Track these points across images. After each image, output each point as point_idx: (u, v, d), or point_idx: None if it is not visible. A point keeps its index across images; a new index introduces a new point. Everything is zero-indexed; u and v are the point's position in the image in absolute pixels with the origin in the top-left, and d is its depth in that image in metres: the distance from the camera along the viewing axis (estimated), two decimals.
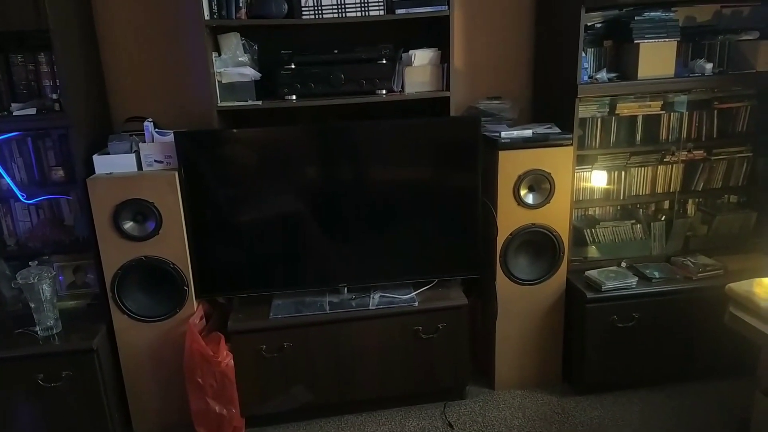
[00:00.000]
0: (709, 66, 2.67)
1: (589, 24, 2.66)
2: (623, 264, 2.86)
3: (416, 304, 2.65)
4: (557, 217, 2.69)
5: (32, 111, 2.37)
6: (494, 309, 2.76)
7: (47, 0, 2.20)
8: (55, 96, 2.39)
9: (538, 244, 2.73)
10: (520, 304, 2.77)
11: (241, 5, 2.45)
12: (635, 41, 2.56)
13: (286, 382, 2.64)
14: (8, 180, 2.54)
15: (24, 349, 2.41)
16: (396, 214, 2.71)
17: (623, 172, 2.85)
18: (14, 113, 2.36)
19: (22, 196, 2.56)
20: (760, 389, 2.23)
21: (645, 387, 2.84)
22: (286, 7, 2.46)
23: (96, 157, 2.46)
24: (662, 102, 2.75)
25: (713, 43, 2.73)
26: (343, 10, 2.47)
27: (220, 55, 2.54)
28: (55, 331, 2.49)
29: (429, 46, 2.65)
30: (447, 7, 2.51)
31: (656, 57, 2.59)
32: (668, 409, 2.70)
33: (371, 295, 2.71)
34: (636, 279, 2.71)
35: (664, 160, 2.86)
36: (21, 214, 2.62)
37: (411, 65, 2.62)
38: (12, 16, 2.20)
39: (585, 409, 2.74)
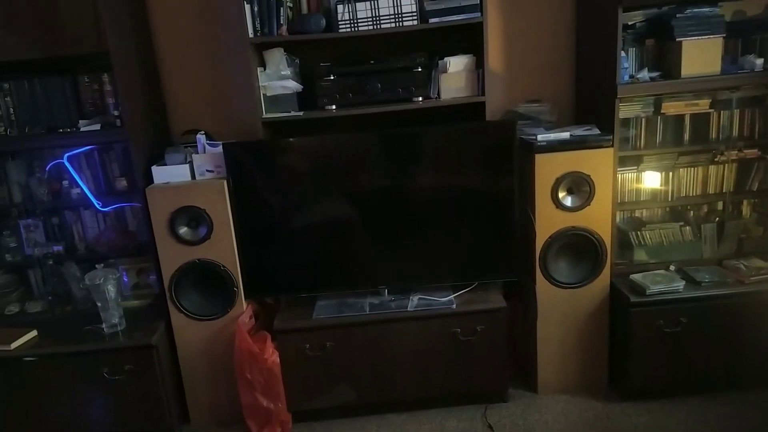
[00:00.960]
0: (759, 61, 2.56)
1: (630, 23, 2.62)
2: (672, 267, 2.77)
3: (454, 306, 2.69)
4: (598, 219, 2.65)
5: (97, 126, 2.61)
6: (534, 312, 2.75)
7: (108, 25, 2.41)
8: (116, 113, 2.60)
9: (579, 247, 2.70)
10: (562, 307, 2.75)
11: (282, 22, 2.58)
12: (677, 39, 2.50)
13: (329, 380, 2.74)
14: (85, 189, 2.78)
15: (91, 345, 2.63)
16: (435, 218, 2.76)
17: (671, 173, 2.78)
18: (81, 129, 2.60)
19: (98, 204, 2.79)
20: None
21: (693, 394, 2.74)
22: (324, 22, 2.57)
23: (154, 168, 2.66)
24: (710, 100, 2.66)
25: (765, 38, 2.61)
26: (378, 23, 2.55)
27: (265, 69, 2.68)
28: (119, 329, 2.70)
29: (464, 52, 2.68)
30: (480, 14, 2.53)
31: (700, 54, 2.51)
32: (716, 418, 2.61)
33: (410, 297, 2.77)
34: (683, 282, 2.63)
35: (715, 159, 2.75)
36: (90, 221, 2.87)
37: (446, 72, 2.66)
38: (76, 42, 2.43)
39: (630, 415, 2.68)
